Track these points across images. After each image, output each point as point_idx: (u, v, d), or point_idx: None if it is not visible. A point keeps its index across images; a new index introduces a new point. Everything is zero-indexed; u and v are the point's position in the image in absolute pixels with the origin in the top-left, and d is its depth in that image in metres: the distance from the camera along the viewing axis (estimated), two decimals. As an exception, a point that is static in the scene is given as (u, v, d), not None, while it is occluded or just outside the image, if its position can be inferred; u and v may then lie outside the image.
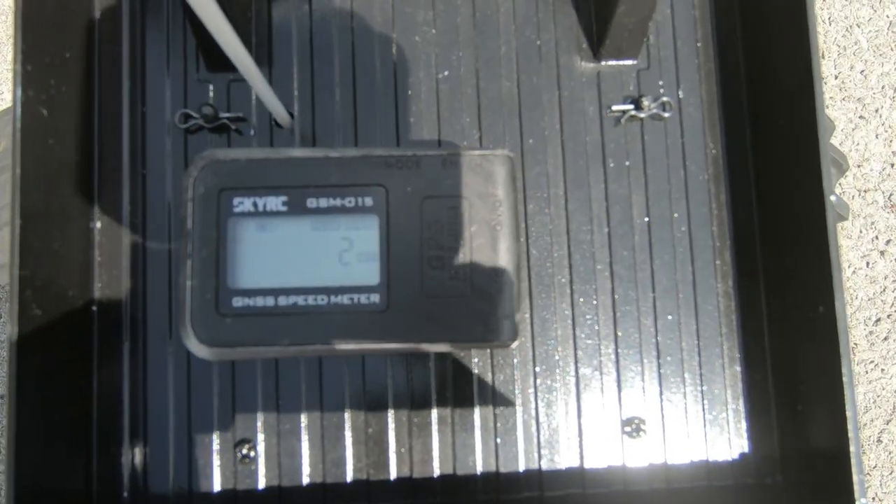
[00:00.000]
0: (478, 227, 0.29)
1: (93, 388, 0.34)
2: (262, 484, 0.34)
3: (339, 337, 0.28)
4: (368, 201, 0.29)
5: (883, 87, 0.89)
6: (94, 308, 0.35)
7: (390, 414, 0.35)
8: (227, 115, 0.36)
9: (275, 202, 0.29)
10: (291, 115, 0.36)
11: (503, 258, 0.29)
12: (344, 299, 0.28)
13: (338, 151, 0.29)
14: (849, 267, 0.86)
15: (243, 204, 0.29)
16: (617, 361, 0.36)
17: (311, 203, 0.29)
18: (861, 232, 0.87)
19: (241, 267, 0.28)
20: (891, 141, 0.88)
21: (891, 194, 0.88)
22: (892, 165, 0.88)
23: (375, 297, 0.28)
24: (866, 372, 0.85)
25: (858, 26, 0.92)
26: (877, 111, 0.89)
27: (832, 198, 0.31)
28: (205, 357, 0.28)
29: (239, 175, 0.29)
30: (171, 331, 0.35)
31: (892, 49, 0.90)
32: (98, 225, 0.35)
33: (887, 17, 0.91)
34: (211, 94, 0.36)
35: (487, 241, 0.29)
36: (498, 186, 0.29)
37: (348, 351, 0.28)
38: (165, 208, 0.36)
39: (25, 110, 0.30)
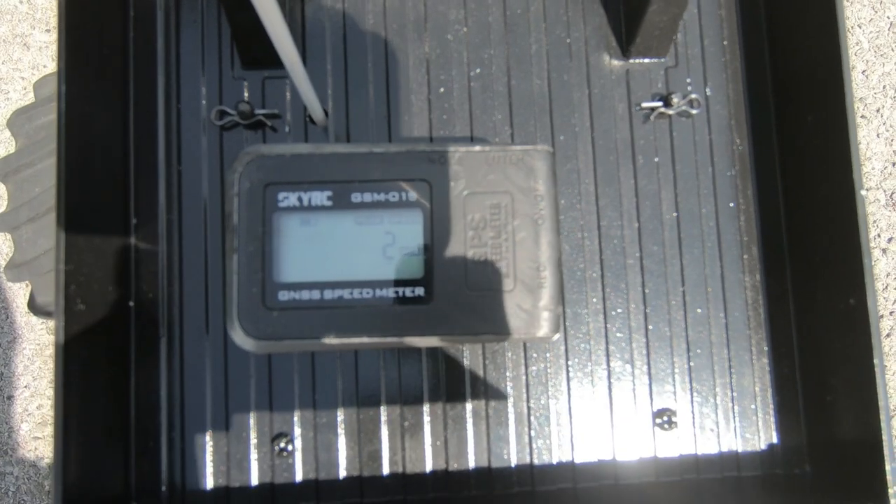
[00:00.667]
0: (520, 221, 0.29)
1: (131, 383, 0.35)
2: (299, 477, 0.35)
3: (385, 330, 0.28)
4: (412, 196, 0.29)
5: (884, 87, 0.90)
6: (132, 303, 0.35)
7: (426, 407, 0.35)
8: (262, 111, 0.36)
9: (319, 197, 0.29)
10: (326, 112, 0.37)
11: (545, 252, 0.29)
12: (389, 293, 0.29)
13: (382, 147, 0.29)
14: (856, 264, 0.86)
15: (288, 199, 0.29)
16: (648, 355, 0.37)
17: (356, 198, 0.29)
18: (866, 230, 0.88)
19: (286, 261, 0.29)
20: (892, 140, 0.90)
21: (892, 193, 0.89)
22: (894, 164, 0.89)
23: (420, 291, 0.29)
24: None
25: (860, 27, 0.93)
26: (878, 111, 0.90)
27: (862, 192, 0.31)
28: (252, 350, 0.29)
29: (284, 170, 0.29)
30: (207, 325, 0.35)
31: (892, 49, 0.91)
32: (135, 221, 0.35)
33: (888, 17, 0.92)
34: (246, 91, 0.37)
35: (530, 235, 0.29)
36: (539, 181, 0.29)
37: (394, 344, 0.29)
38: (201, 204, 0.36)
39: (69, 107, 0.30)
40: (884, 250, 0.90)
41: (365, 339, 0.29)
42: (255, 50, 0.35)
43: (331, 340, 0.28)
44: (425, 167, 0.29)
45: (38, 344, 0.84)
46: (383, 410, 0.35)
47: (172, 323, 0.35)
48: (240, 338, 0.28)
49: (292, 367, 0.35)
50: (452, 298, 0.29)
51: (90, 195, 0.32)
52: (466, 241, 0.29)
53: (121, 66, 0.35)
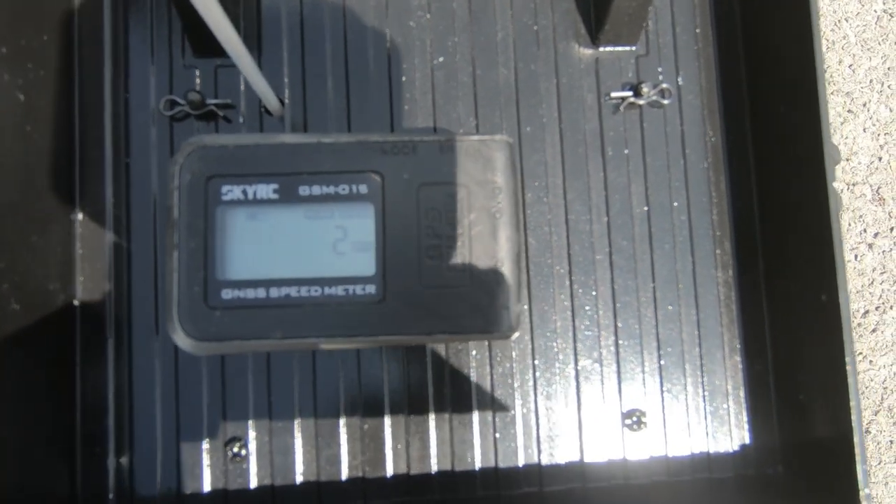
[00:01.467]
0: (477, 214, 0.28)
1: (76, 387, 0.33)
2: (254, 483, 0.33)
3: (334, 329, 0.27)
4: (363, 189, 0.28)
5: (871, 81, 0.90)
6: (76, 303, 0.33)
7: (386, 409, 0.34)
8: (214, 101, 0.34)
9: (265, 190, 0.28)
10: (282, 102, 0.35)
11: (503, 247, 0.28)
12: (338, 290, 0.27)
13: (331, 137, 0.28)
14: (840, 259, 0.86)
15: (232, 192, 0.27)
16: (617, 353, 0.35)
17: (304, 191, 0.28)
18: (850, 225, 0.87)
19: (230, 257, 0.27)
20: (878, 135, 0.89)
21: (879, 188, 0.88)
22: (880, 159, 0.88)
23: (371, 288, 0.27)
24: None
25: (846, 20, 0.92)
26: (864, 105, 0.89)
27: (834, 184, 0.30)
28: (193, 352, 0.27)
29: (227, 162, 0.27)
30: (157, 326, 0.34)
31: (879, 43, 0.91)
32: (80, 216, 0.34)
33: (874, 11, 0.92)
34: (197, 80, 0.35)
35: (487, 229, 0.28)
36: (497, 173, 0.28)
37: (343, 344, 0.27)
38: (150, 199, 0.35)
39: (1, 94, 0.28)
40: (870, 245, 0.90)
41: (314, 340, 0.27)
42: (205, 37, 0.34)
43: (278, 341, 0.27)
44: (377, 158, 0.28)
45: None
46: (342, 413, 0.34)
47: (120, 323, 0.34)
48: (180, 339, 0.27)
49: (246, 369, 0.34)
50: (406, 296, 0.27)
51: (28, 187, 0.31)
52: (420, 235, 0.28)
53: (66, 50, 0.33)
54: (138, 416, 0.33)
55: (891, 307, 0.85)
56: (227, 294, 0.27)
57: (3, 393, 0.28)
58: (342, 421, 0.34)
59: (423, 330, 0.27)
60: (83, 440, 0.33)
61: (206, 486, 0.33)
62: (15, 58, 0.29)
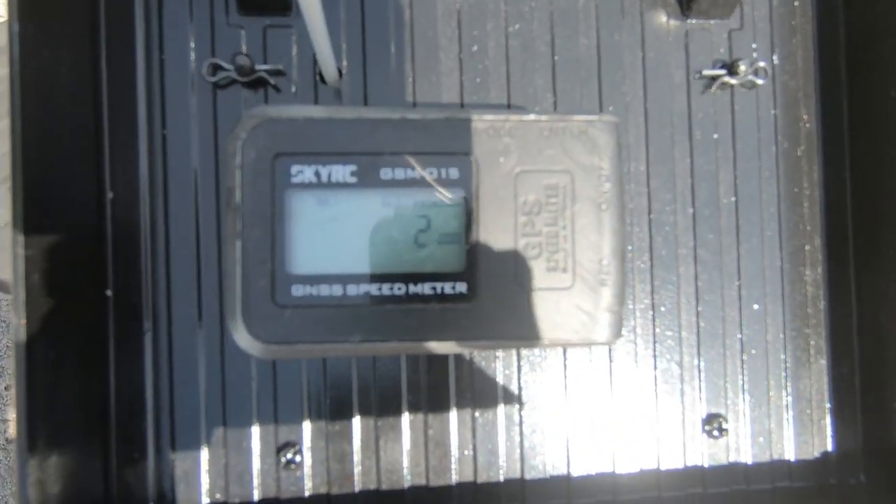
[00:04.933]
0: (581, 205, 0.25)
1: (110, 386, 0.30)
2: (308, 492, 0.31)
3: (420, 333, 0.24)
4: (454, 173, 0.24)
5: None
6: (109, 293, 0.30)
7: (453, 411, 0.31)
8: (264, 67, 0.30)
9: (342, 172, 0.24)
10: (339, 71, 0.31)
11: (609, 242, 0.25)
12: (425, 289, 0.24)
13: (418, 112, 0.24)
14: None
15: (303, 173, 0.24)
16: (698, 355, 0.33)
17: (386, 174, 0.24)
18: None
19: (301, 249, 0.24)
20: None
21: None
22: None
23: (461, 287, 0.24)
24: None
25: None
26: None
27: (958, 179, 0.28)
28: (259, 356, 0.24)
29: (298, 138, 0.24)
30: (200, 318, 0.30)
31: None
32: (111, 195, 0.30)
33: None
34: (243, 42, 0.31)
35: (592, 222, 0.25)
36: (605, 158, 0.25)
37: (429, 350, 0.24)
38: (191, 176, 0.31)
39: (24, 51, 0.24)
40: None
41: (397, 344, 0.24)
42: (254, -9, 0.30)
43: (356, 345, 0.24)
44: (469, 138, 0.24)
45: (3, 322, 0.78)
46: (405, 417, 0.31)
47: (158, 315, 0.30)
48: (244, 341, 0.24)
49: (301, 368, 0.31)
50: (499, 296, 0.24)
51: (55, 165, 0.27)
52: (517, 228, 0.24)
53: (89, 7, 0.29)
54: (180, 417, 0.30)
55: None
56: (297, 290, 0.24)
57: (32, 394, 0.24)
58: (405, 424, 0.31)
59: (519, 335, 0.24)
60: (119, 444, 0.30)
61: (256, 495, 0.30)
62: (37, 8, 0.25)
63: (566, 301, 0.24)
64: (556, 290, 0.24)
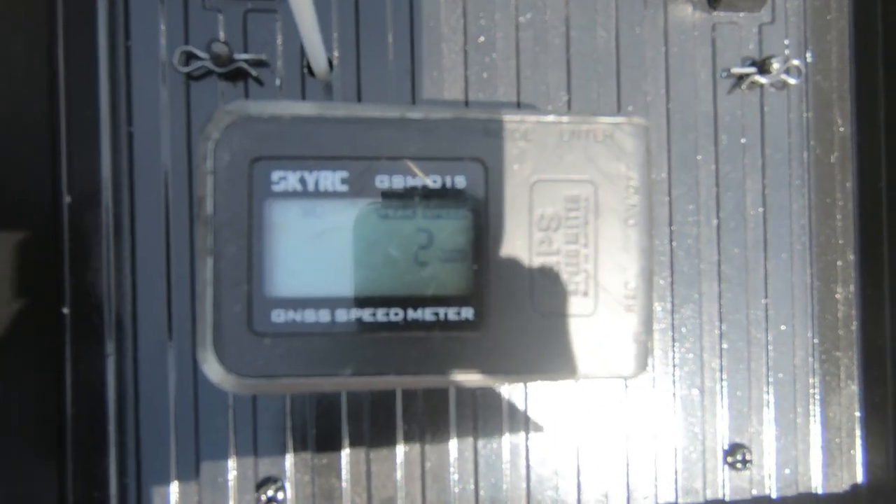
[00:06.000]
0: (605, 220, 0.22)
1: (66, 415, 0.26)
2: (292, 532, 0.27)
3: (420, 366, 0.21)
4: (460, 181, 0.21)
5: None
6: (66, 310, 0.26)
7: (453, 443, 0.28)
8: (244, 56, 0.27)
9: (331, 179, 0.21)
10: (330, 63, 0.28)
11: (637, 262, 0.22)
12: (426, 314, 0.21)
13: (420, 111, 0.21)
14: None
15: (286, 180, 0.21)
16: (721, 379, 0.30)
17: (382, 181, 0.21)
18: None
19: (283, 268, 0.21)
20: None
21: None
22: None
23: (468, 313, 0.21)
24: None
25: None
26: None
27: None
28: (234, 391, 0.21)
29: (280, 139, 0.20)
30: (170, 337, 0.27)
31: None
32: (69, 199, 0.26)
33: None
34: (221, 28, 0.27)
35: (617, 239, 0.22)
36: (633, 167, 0.22)
37: (432, 384, 0.21)
38: (160, 178, 0.27)
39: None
40: None
41: (391, 378, 0.21)
42: (234, -30, 0.26)
43: (346, 379, 0.21)
44: (479, 142, 0.21)
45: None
46: (399, 448, 0.28)
47: (123, 336, 0.27)
48: (216, 374, 0.20)
49: (284, 395, 0.28)
50: (512, 324, 0.21)
51: (4, 163, 0.23)
52: (532, 245, 0.21)
53: (43, -17, 0.25)
54: (147, 449, 0.27)
55: None
56: (278, 316, 0.20)
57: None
58: (399, 457, 0.28)
59: (533, 369, 0.21)
60: (77, 479, 0.26)
61: (234, 537, 0.27)
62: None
63: (588, 329, 0.21)
64: (577, 316, 0.21)
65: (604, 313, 0.21)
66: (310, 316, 0.21)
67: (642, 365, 0.22)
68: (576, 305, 0.21)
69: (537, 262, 0.21)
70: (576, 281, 0.21)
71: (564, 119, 0.21)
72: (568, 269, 0.21)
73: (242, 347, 0.20)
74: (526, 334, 0.21)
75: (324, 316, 0.21)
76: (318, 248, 0.21)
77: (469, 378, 0.21)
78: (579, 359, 0.21)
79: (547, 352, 0.21)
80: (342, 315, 0.21)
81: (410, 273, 0.21)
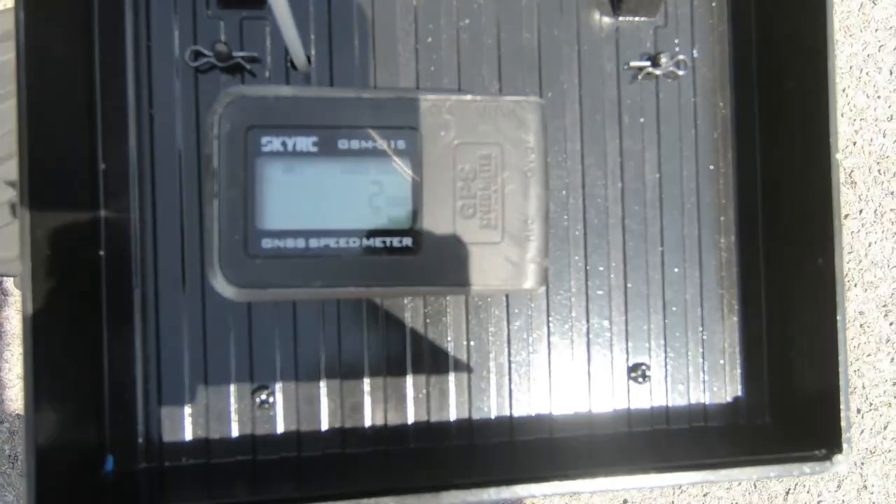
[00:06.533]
0: (510, 173, 0.29)
1: (103, 335, 0.33)
2: (280, 429, 0.35)
3: (372, 279, 0.28)
4: (401, 144, 0.29)
5: (850, 68, 0.93)
6: (102, 253, 0.33)
7: (408, 360, 0.36)
8: (241, 54, 0.34)
9: (305, 142, 0.28)
10: (308, 59, 0.35)
11: (534, 205, 0.29)
12: (377, 242, 0.28)
13: (371, 92, 0.28)
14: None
15: (272, 143, 0.28)
16: (626, 311, 0.38)
17: (343, 144, 0.28)
18: (826, 204, 0.92)
19: (270, 208, 0.28)
20: (854, 120, 0.93)
21: (851, 171, 0.93)
22: (854, 143, 0.92)
23: (408, 241, 0.28)
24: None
25: (833, 6, 0.95)
26: (843, 91, 0.93)
27: (837, 156, 0.32)
28: (233, 298, 0.28)
29: (267, 113, 0.28)
30: (183, 278, 0.34)
31: (861, 31, 0.94)
32: (104, 167, 0.33)
33: (858, -1, 0.94)
34: (222, 32, 0.35)
35: (519, 187, 0.29)
36: (530, 133, 0.29)
37: (380, 294, 0.29)
38: (175, 152, 0.34)
39: (28, 38, 0.28)
40: (841, 236, 0.95)
41: (352, 289, 0.28)
42: (232, -13, 0.33)
43: (318, 289, 0.28)
44: (416, 115, 0.29)
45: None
46: (366, 363, 0.35)
47: (146, 274, 0.34)
48: (220, 285, 0.28)
49: (273, 320, 0.35)
50: (440, 250, 0.29)
51: (54, 137, 0.30)
52: (455, 192, 0.29)
53: (84, 0, 0.33)
54: (166, 364, 0.34)
55: (854, 285, 0.91)
56: (267, 243, 0.28)
57: (37, 340, 0.28)
58: (366, 370, 0.35)
59: (457, 282, 0.29)
60: (111, 388, 0.33)
61: (234, 432, 0.34)
62: (31, 5, 0.29)
63: (497, 253, 0.29)
64: (489, 244, 0.29)
65: (508, 241, 0.29)
66: (290, 243, 0.28)
67: (540, 281, 0.29)
68: (488, 236, 0.29)
69: (459, 203, 0.29)
70: (488, 217, 0.29)
71: (478, 98, 0.29)
72: (482, 209, 0.29)
73: (240, 266, 0.27)
74: (451, 257, 0.29)
75: (300, 243, 0.28)
76: (295, 193, 0.28)
77: (409, 290, 0.28)
78: (491, 276, 0.29)
79: (466, 270, 0.29)
80: (314, 242, 0.28)
81: (365, 213, 0.29)
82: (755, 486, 0.87)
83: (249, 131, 0.28)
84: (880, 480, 0.88)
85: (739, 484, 0.86)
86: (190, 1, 0.34)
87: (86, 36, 0.33)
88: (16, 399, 0.80)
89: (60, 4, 0.31)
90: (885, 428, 0.89)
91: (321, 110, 0.28)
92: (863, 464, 0.88)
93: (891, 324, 0.90)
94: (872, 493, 0.88)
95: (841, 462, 0.32)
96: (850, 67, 0.94)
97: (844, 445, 0.32)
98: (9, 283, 0.80)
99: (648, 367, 0.38)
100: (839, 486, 0.88)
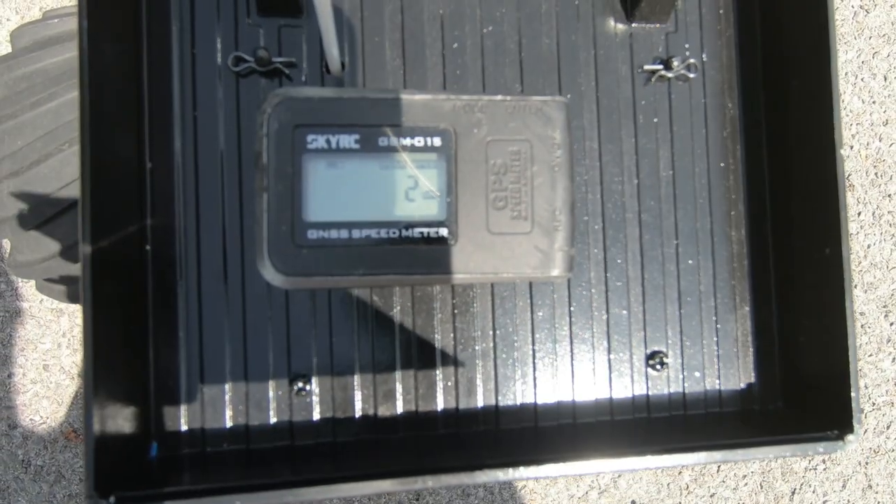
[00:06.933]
0: (538, 167, 0.31)
1: (149, 327, 0.35)
2: (316, 415, 0.36)
3: (411, 268, 0.30)
4: (437, 141, 0.31)
5: (846, 74, 0.96)
6: (149, 247, 0.35)
7: (437, 350, 0.37)
8: (279, 59, 0.36)
9: (347, 140, 0.30)
10: (343, 64, 0.37)
11: (561, 196, 0.31)
12: (414, 233, 0.30)
13: (409, 93, 0.30)
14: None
15: (317, 141, 0.30)
16: (643, 302, 0.39)
17: (383, 142, 0.30)
18: (826, 206, 0.94)
19: (315, 201, 0.30)
20: (850, 125, 0.96)
21: (849, 175, 0.95)
22: (851, 147, 0.95)
23: (444, 232, 0.30)
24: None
25: (835, 13, 0.98)
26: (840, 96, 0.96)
27: (842, 151, 0.35)
28: (281, 286, 0.30)
29: (313, 113, 0.30)
30: (225, 270, 0.36)
31: (855, 38, 0.97)
32: (150, 166, 0.35)
33: (852, 6, 0.97)
34: (261, 39, 0.37)
35: (547, 180, 0.31)
36: (557, 130, 0.31)
37: (419, 281, 0.30)
38: (217, 152, 0.36)
39: (89, 43, 0.30)
40: (847, 225, 0.97)
41: (392, 277, 0.30)
42: (272, -3, 0.36)
43: (359, 277, 0.30)
44: (450, 115, 0.31)
45: (6, 311, 0.82)
46: (397, 352, 0.37)
47: (189, 267, 0.36)
48: (270, 274, 0.29)
49: (310, 312, 0.37)
50: (473, 240, 0.30)
51: (108, 138, 0.32)
52: (488, 185, 0.31)
53: (133, 6, 0.35)
54: (208, 353, 0.36)
55: (855, 286, 0.93)
56: (312, 234, 0.30)
57: (96, 331, 0.30)
58: (398, 359, 0.37)
59: (489, 270, 0.30)
60: (157, 377, 0.35)
61: (273, 419, 0.36)
62: (97, 7, 0.31)
63: (527, 243, 0.31)
64: (519, 234, 0.31)
65: (537, 231, 0.31)
66: (333, 234, 0.30)
67: (568, 268, 0.31)
68: (518, 226, 0.31)
69: (491, 196, 0.31)
70: (518, 209, 0.31)
71: (508, 98, 0.31)
72: (512, 201, 0.31)
73: (287, 255, 0.29)
74: (484, 247, 0.30)
75: (343, 234, 0.30)
76: (338, 187, 0.30)
77: (444, 277, 0.30)
78: (521, 264, 0.31)
79: (498, 258, 0.30)
80: (356, 233, 0.30)
81: (403, 205, 0.30)
82: (761, 487, 0.88)
83: (296, 129, 0.30)
84: (885, 480, 0.90)
85: (746, 484, 0.87)
86: (232, 10, 0.37)
87: (135, 44, 0.35)
88: (29, 404, 0.81)
89: (114, 15, 0.33)
90: (889, 427, 0.91)
91: (362, 110, 0.30)
92: (867, 463, 0.89)
93: (891, 324, 0.92)
94: (878, 492, 0.89)
95: (853, 441, 0.33)
96: (846, 73, 0.97)
97: (856, 426, 0.34)
98: (24, 288, 0.81)
99: (666, 355, 0.39)
100: (844, 486, 0.89)
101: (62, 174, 0.48)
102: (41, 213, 0.49)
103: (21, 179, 0.49)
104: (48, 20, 0.54)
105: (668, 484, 0.86)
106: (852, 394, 0.34)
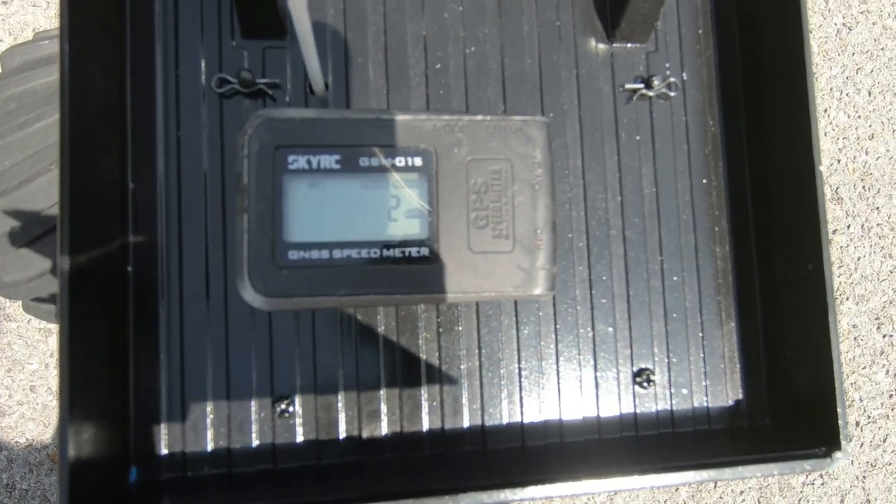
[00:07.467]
0: (519, 186, 0.31)
1: (129, 347, 0.35)
2: (300, 437, 0.36)
3: (392, 288, 0.30)
4: (418, 161, 0.31)
5: (831, 89, 0.98)
6: (130, 268, 0.35)
7: (422, 369, 0.37)
8: (263, 80, 0.36)
9: (328, 160, 0.30)
10: (326, 84, 0.38)
11: (542, 215, 0.31)
12: (395, 252, 0.30)
13: (390, 114, 0.31)
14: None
15: (298, 161, 0.30)
16: (629, 319, 0.39)
17: (364, 162, 0.30)
18: (815, 220, 0.95)
19: (296, 221, 0.30)
20: (837, 139, 0.97)
21: (837, 188, 0.96)
22: (839, 161, 0.96)
23: (425, 251, 0.30)
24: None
25: (810, 32, 1.00)
26: (825, 111, 0.97)
27: (820, 168, 0.35)
28: (261, 307, 0.29)
29: (294, 133, 0.30)
30: (207, 291, 0.36)
31: (839, 54, 0.99)
32: (133, 186, 0.35)
33: (835, 24, 1.00)
34: (245, 60, 0.37)
35: (528, 199, 0.31)
36: (537, 149, 0.31)
37: (400, 301, 0.30)
38: (201, 172, 0.36)
39: (70, 65, 0.30)
40: (828, 241, 0.98)
41: (373, 297, 0.30)
42: (255, 19, 0.36)
43: (340, 298, 0.30)
44: (431, 134, 0.31)
45: (-7, 331, 0.81)
46: (382, 372, 0.37)
47: (171, 288, 0.36)
48: (250, 295, 0.29)
49: (293, 332, 0.36)
50: (455, 258, 0.30)
51: (90, 159, 0.32)
52: (469, 204, 0.31)
53: (118, 29, 0.35)
54: (189, 374, 0.35)
55: (846, 298, 0.93)
56: (293, 254, 0.29)
57: (72, 354, 0.29)
58: (382, 378, 0.37)
59: (472, 289, 0.30)
60: (136, 400, 0.35)
61: (255, 441, 0.35)
62: (79, 30, 0.31)
63: (509, 261, 0.31)
64: (501, 252, 0.31)
65: (519, 251, 0.31)
66: (314, 254, 0.30)
67: (550, 287, 0.31)
68: (500, 245, 0.31)
69: (472, 215, 0.31)
70: (499, 228, 0.31)
71: (489, 118, 0.31)
72: (494, 220, 0.31)
73: (268, 276, 0.29)
74: (466, 266, 0.30)
75: (324, 254, 0.30)
76: (319, 207, 0.30)
77: (426, 297, 0.30)
78: (503, 282, 0.30)
79: (480, 277, 0.30)
80: (337, 253, 0.30)
81: (385, 225, 0.30)
82: (759, 503, 0.87)
83: (277, 150, 0.30)
84: (883, 494, 0.89)
85: (744, 500, 0.87)
86: (216, 32, 0.37)
87: (119, 64, 0.35)
88: (15, 426, 0.80)
89: (98, 37, 0.33)
90: (885, 441, 0.90)
91: (343, 131, 0.30)
92: (864, 477, 0.89)
93: (884, 336, 0.92)
94: (876, 506, 0.89)
95: (840, 459, 0.33)
96: (831, 89, 0.98)
97: (843, 442, 0.34)
98: (11, 308, 0.80)
99: (653, 372, 0.39)
100: (842, 501, 0.88)
101: (50, 194, 0.48)
102: (29, 233, 0.48)
103: (9, 199, 0.49)
104: (39, 41, 0.54)
105: (665, 501, 0.85)
106: (839, 410, 0.34)
